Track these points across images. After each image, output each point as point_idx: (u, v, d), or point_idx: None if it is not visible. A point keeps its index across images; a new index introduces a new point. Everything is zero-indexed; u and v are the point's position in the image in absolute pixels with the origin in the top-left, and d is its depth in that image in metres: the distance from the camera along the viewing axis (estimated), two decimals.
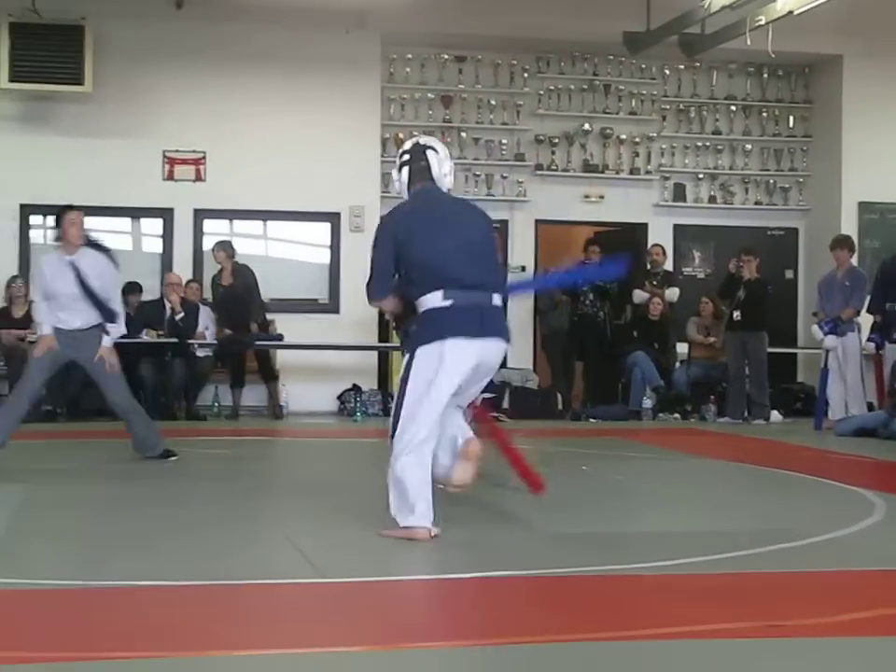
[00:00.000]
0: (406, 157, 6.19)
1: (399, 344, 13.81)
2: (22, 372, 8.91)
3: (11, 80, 12.98)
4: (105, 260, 8.77)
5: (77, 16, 13.06)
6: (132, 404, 8.95)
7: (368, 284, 6.25)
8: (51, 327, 8.63)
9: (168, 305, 12.92)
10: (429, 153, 6.10)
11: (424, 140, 6.31)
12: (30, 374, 8.77)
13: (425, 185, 6.10)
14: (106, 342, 8.69)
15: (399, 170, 6.20)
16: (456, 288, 5.75)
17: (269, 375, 13.53)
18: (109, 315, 8.68)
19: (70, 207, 8.79)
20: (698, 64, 15.42)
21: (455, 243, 5.84)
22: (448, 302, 5.74)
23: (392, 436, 5.74)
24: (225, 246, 13.41)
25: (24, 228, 13.74)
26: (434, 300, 5.79)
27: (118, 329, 8.83)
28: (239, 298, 13.22)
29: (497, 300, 5.89)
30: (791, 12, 11.46)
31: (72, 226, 8.62)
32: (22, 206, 13.63)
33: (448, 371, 5.68)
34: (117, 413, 8.99)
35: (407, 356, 5.85)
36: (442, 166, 6.11)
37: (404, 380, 5.79)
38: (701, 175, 15.74)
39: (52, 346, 8.61)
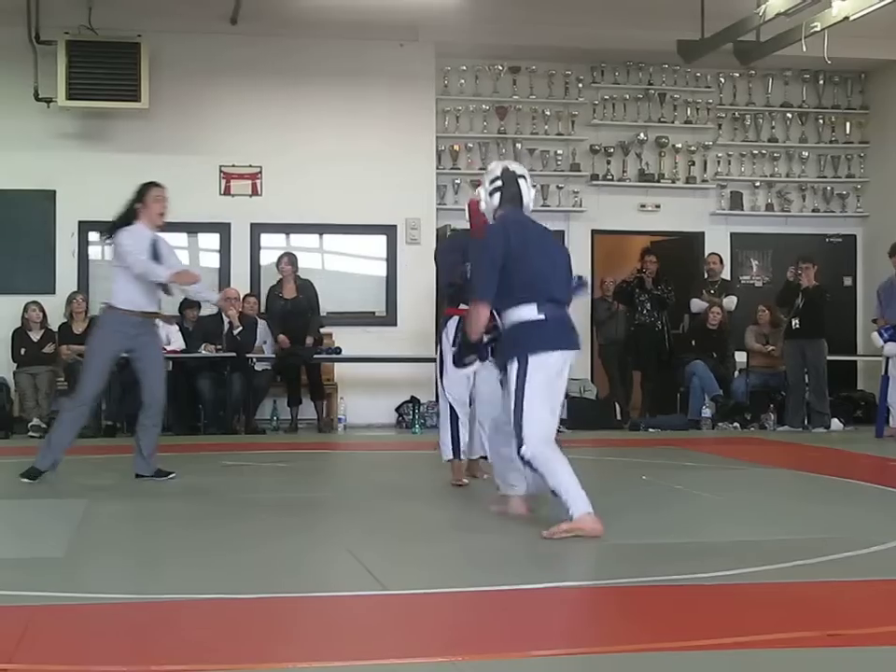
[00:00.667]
0: (498, 183, 6.53)
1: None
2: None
3: (69, 98, 13.08)
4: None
5: (133, 33, 13.16)
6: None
7: (474, 282, 6.49)
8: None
9: (226, 320, 12.99)
10: (521, 181, 6.54)
11: (514, 167, 6.68)
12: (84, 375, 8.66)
13: (515, 209, 6.52)
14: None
15: (491, 194, 6.55)
16: (547, 303, 6.37)
17: (317, 393, 13.52)
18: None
19: (154, 184, 8.72)
20: (753, 72, 15.34)
21: (549, 262, 6.52)
22: (542, 316, 6.33)
23: (519, 447, 6.18)
24: (292, 259, 13.46)
25: (83, 244, 13.85)
26: (529, 312, 6.30)
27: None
28: (302, 312, 13.27)
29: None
30: (846, 18, 11.35)
31: (156, 202, 8.58)
32: (81, 223, 13.74)
33: (562, 378, 6.45)
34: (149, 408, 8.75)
35: (515, 363, 6.23)
36: (530, 193, 6.63)
37: (520, 387, 6.18)
38: (758, 183, 15.64)
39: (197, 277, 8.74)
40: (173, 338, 12.92)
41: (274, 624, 4.31)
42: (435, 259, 9.25)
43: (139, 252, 8.37)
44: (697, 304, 14.29)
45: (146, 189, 8.65)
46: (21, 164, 13.52)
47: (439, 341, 8.39)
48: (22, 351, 13.04)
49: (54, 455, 8.47)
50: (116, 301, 8.45)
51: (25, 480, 8.32)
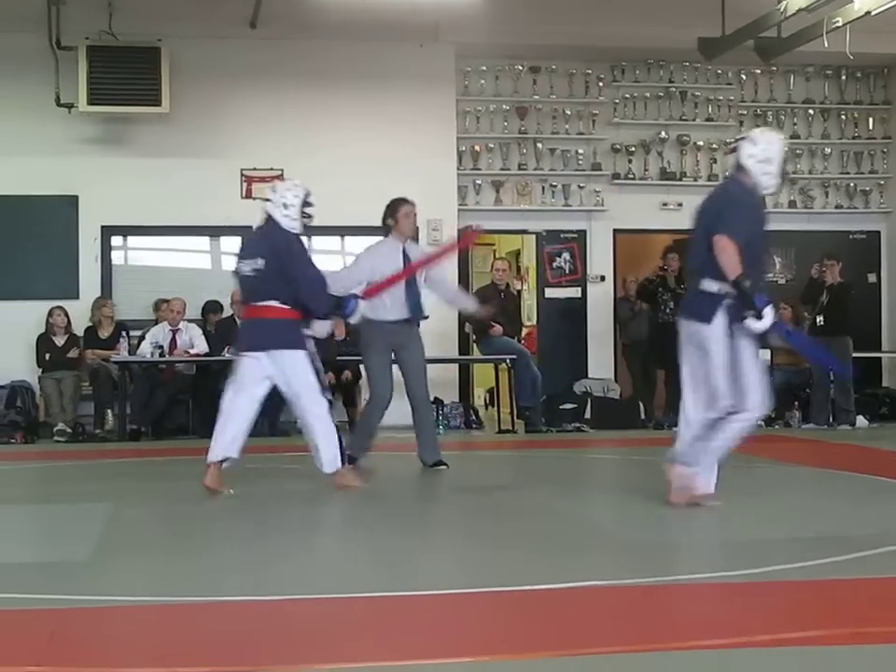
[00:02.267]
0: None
1: (478, 356, 13.91)
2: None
3: (90, 103, 13.12)
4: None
5: (153, 37, 13.20)
6: (429, 400, 9.63)
7: (728, 230, 6.79)
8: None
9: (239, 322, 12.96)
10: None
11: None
12: (371, 378, 9.30)
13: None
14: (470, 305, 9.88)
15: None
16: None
17: (349, 401, 13.49)
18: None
19: (405, 200, 9.27)
20: (775, 68, 15.28)
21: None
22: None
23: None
24: None
25: (106, 249, 13.89)
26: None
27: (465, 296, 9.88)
28: None
29: None
30: (868, 13, 11.30)
31: (406, 218, 9.18)
32: (103, 227, 13.79)
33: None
34: (414, 405, 9.31)
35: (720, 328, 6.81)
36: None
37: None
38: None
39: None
40: (196, 341, 12.95)
41: (300, 626, 4.31)
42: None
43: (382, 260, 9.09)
44: None
45: (397, 206, 9.28)
46: (44, 170, 13.56)
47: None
48: (47, 356, 13.09)
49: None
50: None
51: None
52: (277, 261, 7.69)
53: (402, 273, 8.95)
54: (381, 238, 9.40)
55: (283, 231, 7.83)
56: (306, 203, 7.97)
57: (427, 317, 9.49)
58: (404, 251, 9.16)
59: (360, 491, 7.90)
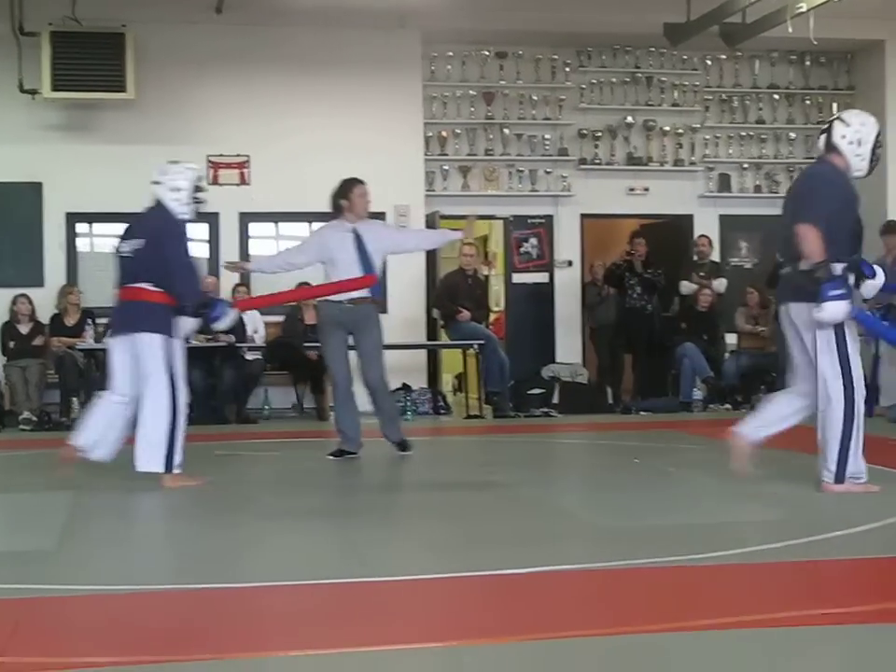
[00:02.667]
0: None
1: (446, 341, 13.91)
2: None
3: (54, 89, 13.03)
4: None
5: (118, 23, 13.11)
6: (385, 384, 9.20)
7: (811, 215, 6.76)
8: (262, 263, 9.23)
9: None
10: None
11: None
12: (330, 368, 9.12)
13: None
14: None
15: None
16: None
17: (317, 387, 13.46)
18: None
19: (358, 180, 9.11)
20: (740, 54, 15.32)
21: None
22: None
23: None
24: None
25: (71, 236, 13.82)
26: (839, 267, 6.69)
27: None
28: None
29: None
30: None
31: (360, 198, 9.01)
32: (68, 214, 13.72)
33: None
34: (369, 391, 9.07)
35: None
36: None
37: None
38: (746, 165, 15.64)
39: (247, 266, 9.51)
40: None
41: (267, 614, 4.31)
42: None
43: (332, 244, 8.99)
44: (687, 287, 14.29)
45: (349, 186, 9.14)
46: (7, 157, 13.47)
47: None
48: (11, 344, 13.01)
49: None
50: None
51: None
52: (155, 243, 7.47)
53: (288, 295, 8.96)
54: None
55: (167, 214, 7.62)
56: (197, 188, 7.76)
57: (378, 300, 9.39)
58: (356, 232, 8.95)
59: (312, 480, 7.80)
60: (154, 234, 7.52)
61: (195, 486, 7.50)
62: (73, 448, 7.57)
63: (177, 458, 7.46)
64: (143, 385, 7.43)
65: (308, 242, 9.53)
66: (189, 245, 7.71)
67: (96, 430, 7.58)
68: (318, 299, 9.24)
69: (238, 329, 13.05)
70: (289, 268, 9.26)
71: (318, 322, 9.25)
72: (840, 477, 6.89)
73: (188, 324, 7.77)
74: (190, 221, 7.77)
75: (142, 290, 7.49)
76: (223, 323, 7.85)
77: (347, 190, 9.07)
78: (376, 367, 9.02)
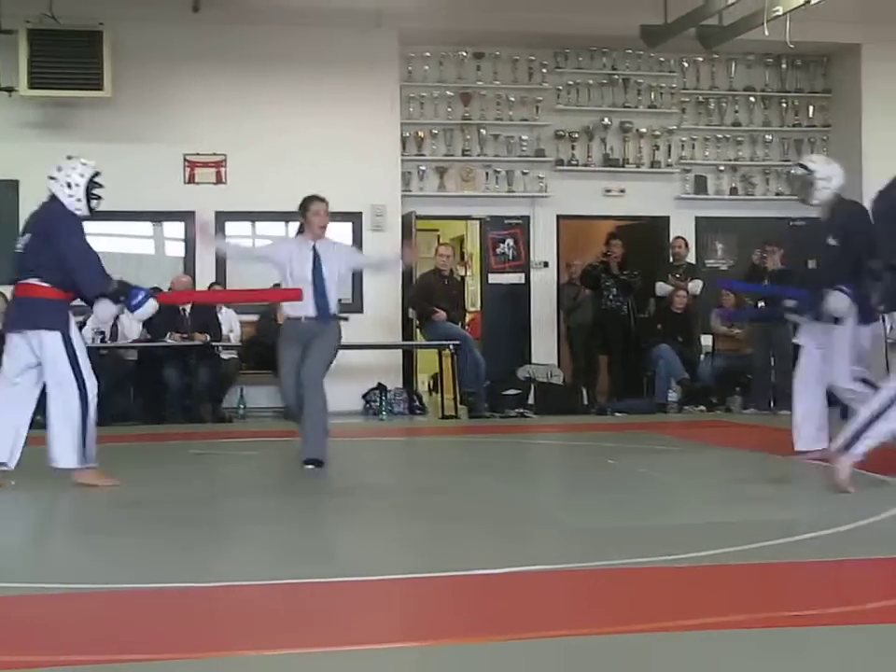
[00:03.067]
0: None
1: (422, 341, 13.92)
2: None
3: (31, 87, 13.00)
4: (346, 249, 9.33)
5: (95, 21, 13.08)
6: (319, 388, 8.55)
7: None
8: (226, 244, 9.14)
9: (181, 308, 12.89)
10: None
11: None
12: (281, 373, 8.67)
13: None
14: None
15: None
16: None
17: None
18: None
19: (315, 198, 8.93)
20: (716, 56, 15.37)
21: None
22: None
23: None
24: None
25: None
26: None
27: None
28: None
29: None
30: (808, 1, 11.40)
31: (315, 216, 8.80)
32: None
33: None
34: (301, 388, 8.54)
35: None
36: None
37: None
38: (722, 167, 15.70)
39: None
40: (129, 327, 12.81)
41: (242, 613, 4.31)
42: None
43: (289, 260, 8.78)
44: (663, 288, 14.32)
45: (307, 204, 8.92)
46: None
47: None
48: None
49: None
50: None
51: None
52: (45, 238, 7.37)
53: (208, 295, 8.89)
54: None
55: (59, 209, 7.51)
56: (94, 184, 7.65)
57: (343, 318, 9.24)
58: (314, 249, 8.76)
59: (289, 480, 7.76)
60: (43, 229, 7.44)
61: (108, 486, 7.41)
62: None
63: (91, 453, 7.42)
64: (49, 382, 7.38)
65: (276, 244, 9.55)
66: (86, 237, 7.56)
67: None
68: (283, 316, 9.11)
69: (214, 328, 13.06)
70: (248, 257, 9.41)
71: (279, 338, 8.92)
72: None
73: (106, 310, 7.69)
74: (86, 217, 7.63)
75: (33, 287, 7.39)
76: (143, 312, 7.63)
77: (304, 208, 8.94)
78: (315, 365, 8.53)
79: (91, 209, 7.61)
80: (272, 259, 8.99)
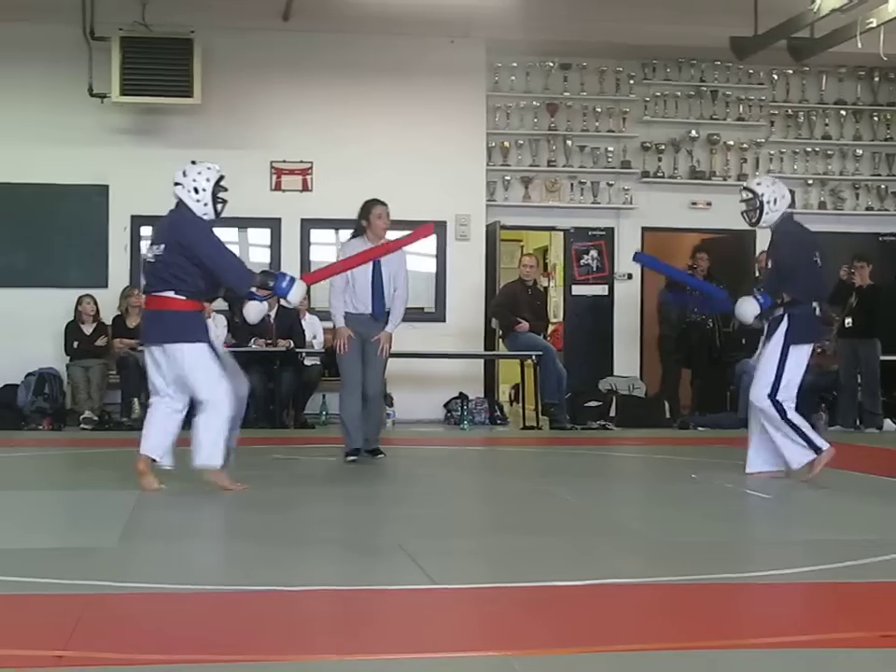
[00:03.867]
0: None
1: (504, 352, 13.91)
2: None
3: (122, 94, 13.17)
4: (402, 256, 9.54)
5: (186, 29, 13.23)
6: (379, 395, 9.66)
7: None
8: (342, 317, 9.28)
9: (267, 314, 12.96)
10: None
11: None
12: (344, 371, 9.43)
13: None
14: (388, 328, 9.43)
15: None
16: None
17: None
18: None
19: (377, 201, 9.40)
20: (807, 69, 15.22)
21: None
22: None
23: (772, 394, 8.15)
24: None
25: (135, 239, 13.94)
26: None
27: (396, 319, 9.48)
28: None
29: None
30: None
31: (378, 219, 9.29)
32: (133, 217, 13.84)
33: None
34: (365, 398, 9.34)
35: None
36: None
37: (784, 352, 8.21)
38: (810, 181, 15.53)
39: (350, 335, 9.30)
40: (215, 333, 12.91)
41: (325, 616, 4.33)
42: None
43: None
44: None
45: (369, 207, 9.44)
46: (76, 159, 13.63)
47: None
48: (75, 344, 13.15)
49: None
50: None
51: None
52: (180, 249, 7.36)
53: (348, 261, 8.99)
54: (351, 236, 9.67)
55: (191, 216, 7.53)
56: (219, 188, 7.69)
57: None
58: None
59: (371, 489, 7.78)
60: (176, 239, 7.42)
61: (237, 490, 7.49)
62: (145, 459, 7.56)
63: (230, 457, 7.53)
64: (196, 393, 7.43)
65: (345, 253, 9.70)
66: (219, 238, 7.66)
67: (158, 437, 7.58)
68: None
69: (297, 334, 13.13)
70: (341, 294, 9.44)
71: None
72: None
73: (255, 309, 7.72)
74: (213, 223, 7.69)
75: (168, 300, 7.40)
76: (295, 294, 7.66)
77: (367, 212, 9.40)
78: (376, 377, 9.48)
79: (217, 213, 7.66)
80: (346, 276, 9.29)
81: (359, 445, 9.32)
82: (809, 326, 8.54)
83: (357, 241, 9.37)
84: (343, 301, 9.36)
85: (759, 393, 8.27)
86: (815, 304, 8.59)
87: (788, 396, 8.26)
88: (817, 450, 8.20)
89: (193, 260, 7.35)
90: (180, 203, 7.61)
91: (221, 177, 7.70)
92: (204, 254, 7.39)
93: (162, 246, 7.42)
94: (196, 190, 7.56)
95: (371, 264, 9.16)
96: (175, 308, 7.38)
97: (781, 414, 8.18)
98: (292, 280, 7.62)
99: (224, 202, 7.72)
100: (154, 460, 7.55)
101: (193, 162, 7.85)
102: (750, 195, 8.65)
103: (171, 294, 7.37)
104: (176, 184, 7.63)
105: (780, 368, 8.26)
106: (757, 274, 14.38)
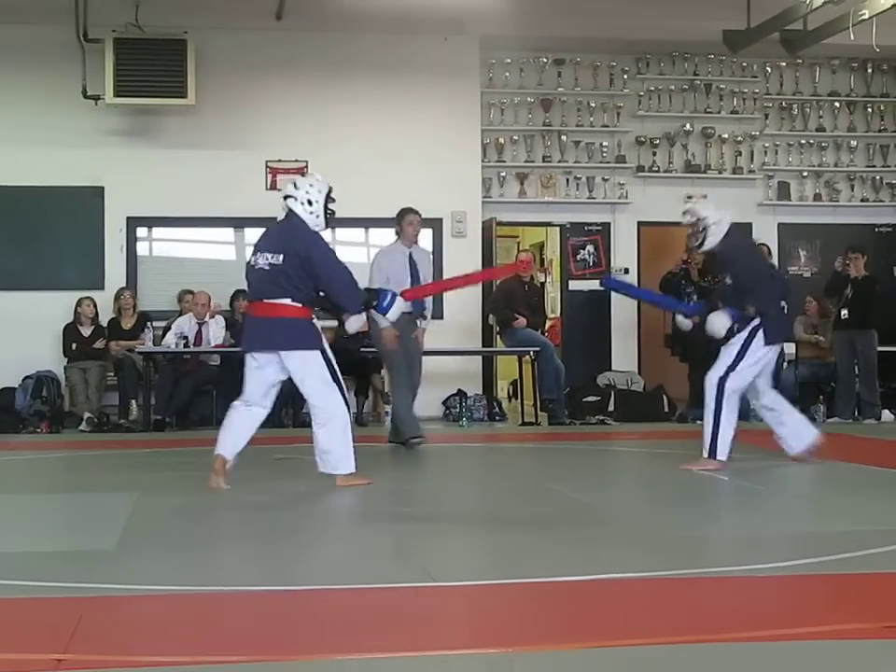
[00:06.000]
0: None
1: (502, 348, 13.92)
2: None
3: (116, 95, 13.16)
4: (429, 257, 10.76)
5: (180, 30, 13.23)
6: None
7: None
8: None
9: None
10: None
11: None
12: (395, 366, 10.31)
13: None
14: (423, 324, 10.44)
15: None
16: None
17: (362, 389, 13.59)
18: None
19: (410, 210, 10.54)
20: (800, 61, 15.24)
21: None
22: None
23: (723, 376, 8.48)
24: None
25: (131, 239, 13.95)
26: None
27: (429, 314, 10.51)
28: None
29: None
30: (895, 5, 11.26)
31: (410, 226, 10.41)
32: (129, 218, 13.85)
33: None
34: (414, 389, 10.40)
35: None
36: None
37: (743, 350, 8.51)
38: (805, 173, 15.54)
39: (396, 334, 9.90)
40: (214, 335, 12.94)
41: (324, 616, 4.33)
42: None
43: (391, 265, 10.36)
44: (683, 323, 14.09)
45: (402, 215, 10.57)
46: (70, 161, 13.64)
47: None
48: (73, 346, 13.16)
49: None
50: None
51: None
52: (298, 259, 7.44)
53: (446, 283, 9.63)
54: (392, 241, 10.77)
55: (306, 228, 7.61)
56: (329, 199, 7.79)
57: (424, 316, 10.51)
58: (410, 256, 10.40)
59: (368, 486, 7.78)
60: (297, 251, 7.48)
61: (364, 485, 7.67)
62: (221, 458, 7.59)
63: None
64: (311, 399, 7.64)
65: (378, 268, 10.35)
66: (334, 253, 7.83)
67: (234, 439, 7.65)
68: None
69: None
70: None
71: (374, 333, 10.24)
72: None
73: (356, 322, 7.85)
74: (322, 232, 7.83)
75: (282, 306, 7.46)
76: (394, 312, 7.89)
77: (400, 219, 10.55)
78: (418, 370, 10.60)
79: (327, 223, 7.79)
80: (384, 275, 10.03)
81: (420, 432, 10.27)
82: (779, 328, 8.78)
83: (399, 245, 10.51)
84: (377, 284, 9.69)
85: (713, 374, 8.61)
86: (779, 305, 8.79)
87: (735, 386, 8.53)
88: (712, 454, 8.49)
89: (309, 272, 7.48)
90: (291, 214, 7.71)
91: (331, 189, 7.83)
92: (321, 267, 7.52)
93: (281, 256, 7.49)
94: (309, 202, 7.67)
95: (408, 265, 10.24)
96: (292, 315, 7.46)
97: (717, 402, 8.48)
98: (394, 297, 7.84)
99: (333, 213, 7.84)
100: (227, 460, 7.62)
101: (303, 174, 8.38)
102: (694, 219, 8.76)
103: (287, 301, 7.45)
104: (288, 196, 7.75)
105: (739, 357, 8.56)
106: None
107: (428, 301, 10.40)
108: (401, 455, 10.28)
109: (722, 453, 8.44)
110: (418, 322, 10.41)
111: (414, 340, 10.37)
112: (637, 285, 15.09)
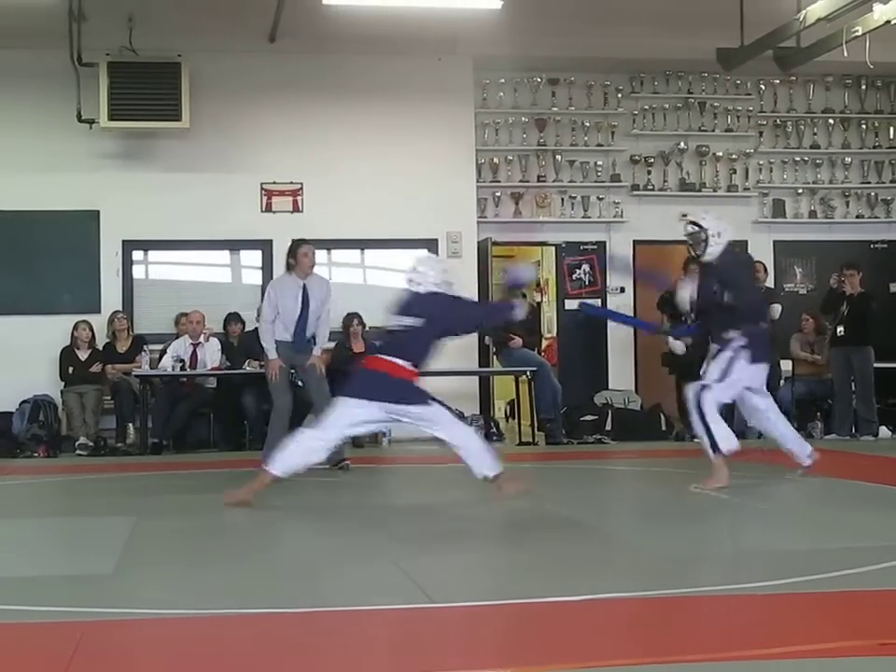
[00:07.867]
0: None
1: (499, 368, 13.91)
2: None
3: (111, 119, 13.15)
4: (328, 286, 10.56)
5: (174, 53, 13.24)
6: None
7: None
8: (274, 349, 10.08)
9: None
10: None
11: None
12: (277, 397, 10.30)
13: None
14: (315, 351, 10.29)
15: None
16: None
17: None
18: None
19: (303, 241, 10.35)
20: (794, 78, 15.27)
21: None
22: None
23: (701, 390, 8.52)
24: None
25: (127, 263, 13.95)
26: None
27: (322, 340, 10.41)
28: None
29: None
30: (888, 22, 11.25)
31: (304, 257, 10.20)
32: (125, 242, 13.84)
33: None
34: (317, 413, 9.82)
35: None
36: None
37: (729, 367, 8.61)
38: (800, 190, 15.56)
39: (280, 365, 10.15)
40: (210, 357, 12.94)
41: (323, 638, 4.31)
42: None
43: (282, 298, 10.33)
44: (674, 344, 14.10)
45: (295, 247, 10.33)
46: (66, 185, 13.64)
47: None
48: (70, 370, 13.14)
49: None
50: None
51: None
52: (433, 324, 7.85)
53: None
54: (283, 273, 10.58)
55: (437, 296, 7.95)
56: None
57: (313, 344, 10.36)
58: (304, 287, 10.22)
59: (395, 504, 7.79)
60: (434, 316, 7.88)
61: (521, 491, 7.93)
62: (269, 475, 7.77)
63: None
64: (440, 434, 7.93)
65: (268, 299, 10.51)
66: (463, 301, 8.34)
67: (292, 460, 7.82)
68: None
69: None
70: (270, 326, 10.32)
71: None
72: None
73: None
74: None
75: (398, 367, 7.76)
76: (519, 314, 8.50)
77: (294, 251, 10.29)
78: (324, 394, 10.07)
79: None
80: (276, 309, 10.24)
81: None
82: (763, 347, 8.91)
83: (287, 277, 10.35)
84: (272, 332, 10.17)
85: (693, 386, 8.74)
86: (764, 325, 9.06)
87: (712, 397, 8.63)
88: (713, 447, 8.56)
89: (445, 333, 8.02)
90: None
91: (445, 269, 8.24)
92: (464, 318, 8.33)
93: (420, 321, 7.87)
94: (444, 283, 8.04)
95: (301, 296, 10.17)
96: (405, 376, 7.79)
97: (698, 407, 8.57)
98: (518, 305, 8.55)
99: (452, 283, 8.19)
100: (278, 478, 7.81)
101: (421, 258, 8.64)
102: (696, 228, 8.86)
103: (401, 362, 7.79)
104: (411, 280, 8.09)
105: (725, 373, 8.68)
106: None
107: (318, 328, 10.31)
108: (396, 474, 10.26)
109: (724, 445, 8.51)
110: (314, 350, 10.32)
111: (311, 367, 10.27)
112: (633, 305, 15.11)
